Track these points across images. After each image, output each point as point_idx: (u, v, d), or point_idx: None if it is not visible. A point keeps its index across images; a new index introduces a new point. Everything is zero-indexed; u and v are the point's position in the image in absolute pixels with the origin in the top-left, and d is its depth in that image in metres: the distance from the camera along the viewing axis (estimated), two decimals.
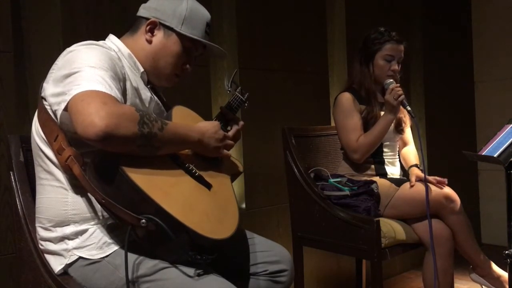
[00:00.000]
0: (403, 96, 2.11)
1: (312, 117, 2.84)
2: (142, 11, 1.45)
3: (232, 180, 1.49)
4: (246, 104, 1.63)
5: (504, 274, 2.03)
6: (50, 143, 1.26)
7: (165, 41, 1.42)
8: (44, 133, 1.28)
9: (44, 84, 1.28)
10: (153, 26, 1.41)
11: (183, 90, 2.26)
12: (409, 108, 2.10)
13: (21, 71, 1.81)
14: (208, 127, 1.37)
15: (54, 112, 1.23)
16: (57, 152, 1.24)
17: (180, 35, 1.42)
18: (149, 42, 1.42)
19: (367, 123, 2.21)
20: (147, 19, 1.42)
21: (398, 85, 2.15)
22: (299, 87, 2.82)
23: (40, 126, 1.29)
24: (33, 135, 1.33)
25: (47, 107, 1.26)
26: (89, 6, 2.00)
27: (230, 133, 1.49)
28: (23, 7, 1.84)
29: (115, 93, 1.19)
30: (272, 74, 2.70)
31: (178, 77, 1.48)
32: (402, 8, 3.50)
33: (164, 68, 1.44)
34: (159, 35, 1.42)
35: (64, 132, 1.23)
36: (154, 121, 1.20)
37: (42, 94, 1.28)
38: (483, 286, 2.10)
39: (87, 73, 1.18)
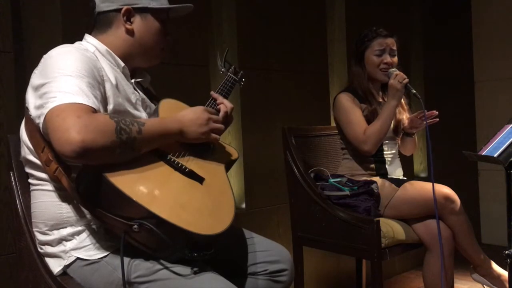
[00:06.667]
0: (407, 80, 2.11)
1: (312, 117, 2.84)
2: (105, 5, 1.39)
3: (228, 168, 1.45)
4: (242, 83, 1.58)
5: (504, 273, 2.03)
6: (37, 153, 1.25)
7: (145, 23, 1.41)
8: (31, 144, 1.27)
9: (26, 95, 1.26)
10: (128, 14, 1.39)
11: (183, 90, 2.27)
12: (414, 91, 2.08)
13: (21, 71, 1.81)
14: (186, 114, 1.33)
15: (38, 125, 1.21)
16: (45, 164, 1.23)
17: (154, 11, 1.41)
18: (130, 31, 1.39)
19: (369, 121, 2.21)
20: (117, 10, 1.38)
21: (402, 73, 2.15)
22: (299, 87, 2.82)
23: (27, 136, 1.28)
24: (21, 144, 1.32)
25: (33, 118, 1.24)
26: (89, 6, 1.99)
27: (220, 116, 1.43)
28: (23, 7, 1.84)
29: (93, 101, 1.17)
30: (272, 74, 2.70)
31: (163, 50, 1.48)
32: (403, 8, 3.50)
33: (151, 49, 1.44)
34: (136, 20, 1.40)
35: (50, 144, 1.21)
36: (131, 124, 1.18)
37: (26, 105, 1.26)
38: (484, 286, 2.10)
39: (63, 83, 1.17)
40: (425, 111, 2.09)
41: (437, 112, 2.11)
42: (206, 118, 1.35)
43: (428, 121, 2.10)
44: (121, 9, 1.38)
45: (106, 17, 1.40)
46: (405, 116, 2.29)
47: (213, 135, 1.38)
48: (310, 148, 2.42)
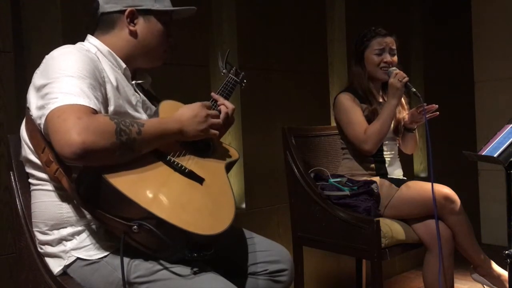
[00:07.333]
0: (407, 78, 2.11)
1: (312, 117, 2.84)
2: (109, 6, 1.39)
3: (229, 168, 1.45)
4: (243, 84, 1.58)
5: (504, 273, 2.03)
6: (38, 154, 1.25)
7: (148, 24, 1.41)
8: (32, 144, 1.27)
9: (28, 96, 1.26)
10: (132, 15, 1.39)
11: (183, 90, 2.27)
12: (414, 89, 2.09)
13: (21, 71, 1.81)
14: (184, 112, 1.33)
15: (39, 126, 1.21)
16: (45, 164, 1.23)
17: (157, 13, 1.42)
18: (134, 33, 1.40)
19: (369, 121, 2.21)
20: (121, 11, 1.39)
21: (402, 72, 2.15)
22: (299, 87, 2.82)
23: (28, 137, 1.28)
24: (22, 143, 1.32)
25: (34, 118, 1.24)
26: (89, 6, 1.99)
27: (221, 116, 1.43)
28: (23, 7, 1.84)
29: (94, 103, 1.17)
30: (272, 74, 2.70)
31: (166, 52, 1.48)
32: (403, 8, 3.50)
33: (154, 50, 1.44)
34: (140, 22, 1.40)
35: (51, 145, 1.21)
36: (131, 125, 1.18)
37: (27, 105, 1.26)
38: (484, 286, 2.10)
39: (64, 84, 1.17)
40: (425, 104, 2.10)
41: (436, 106, 2.12)
42: (204, 115, 1.35)
43: (428, 116, 2.10)
44: (124, 10, 1.38)
45: (110, 18, 1.40)
46: (405, 115, 2.29)
47: (212, 131, 1.38)
48: (310, 148, 2.42)
